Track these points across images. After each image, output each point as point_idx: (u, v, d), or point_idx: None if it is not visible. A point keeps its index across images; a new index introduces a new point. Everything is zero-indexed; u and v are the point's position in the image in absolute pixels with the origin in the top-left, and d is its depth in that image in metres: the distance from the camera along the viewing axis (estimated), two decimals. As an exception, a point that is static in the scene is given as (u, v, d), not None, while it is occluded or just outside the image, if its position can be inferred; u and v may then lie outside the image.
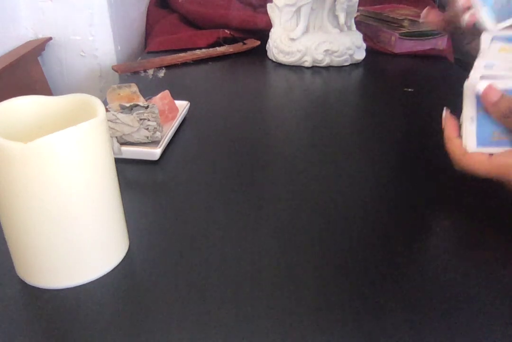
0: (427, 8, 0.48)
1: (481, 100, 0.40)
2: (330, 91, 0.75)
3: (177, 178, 0.49)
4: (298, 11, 0.81)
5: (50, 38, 0.92)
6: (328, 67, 0.84)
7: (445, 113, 0.44)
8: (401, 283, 0.34)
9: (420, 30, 0.91)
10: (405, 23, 0.91)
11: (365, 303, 0.32)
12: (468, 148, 0.40)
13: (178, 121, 0.58)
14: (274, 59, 0.87)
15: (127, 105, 0.51)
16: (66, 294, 0.33)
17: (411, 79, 0.79)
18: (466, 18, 0.41)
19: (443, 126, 0.43)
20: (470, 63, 0.42)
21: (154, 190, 0.47)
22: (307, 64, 0.83)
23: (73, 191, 0.31)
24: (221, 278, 0.35)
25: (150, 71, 0.79)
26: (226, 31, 0.94)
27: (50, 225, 0.31)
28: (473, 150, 0.40)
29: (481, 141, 0.40)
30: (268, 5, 0.85)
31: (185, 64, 0.84)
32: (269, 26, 0.88)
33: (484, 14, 0.39)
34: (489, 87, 0.39)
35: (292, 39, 0.82)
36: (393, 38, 0.91)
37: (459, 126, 0.42)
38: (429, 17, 0.47)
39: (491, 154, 0.39)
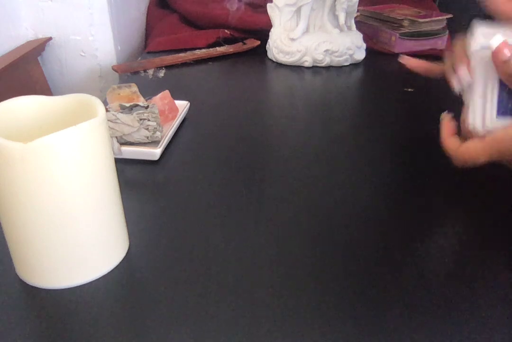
0: (403, 57, 0.50)
1: (491, 57, 0.39)
2: (330, 91, 0.75)
3: (177, 178, 0.49)
4: (298, 11, 0.81)
5: (50, 38, 0.91)
6: (328, 67, 0.84)
7: (444, 116, 0.44)
8: (401, 282, 0.34)
9: (420, 30, 0.91)
10: (405, 23, 0.91)
11: (365, 302, 0.32)
12: (487, 122, 0.40)
13: (178, 121, 0.58)
14: (274, 59, 0.87)
15: (127, 105, 0.51)
16: (66, 294, 0.33)
17: (411, 79, 0.79)
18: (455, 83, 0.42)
19: (441, 125, 0.43)
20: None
21: (154, 190, 0.47)
22: (307, 64, 0.83)
23: (73, 191, 0.31)
24: (221, 278, 0.35)
25: (150, 71, 0.79)
26: (226, 31, 0.94)
27: (50, 225, 0.31)
28: (492, 123, 0.39)
29: (501, 112, 0.39)
30: (268, 5, 0.85)
31: (185, 64, 0.84)
32: (269, 26, 0.88)
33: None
34: (503, 44, 0.38)
35: (292, 39, 0.82)
36: (393, 38, 0.91)
37: (457, 126, 0.42)
38: (409, 63, 0.50)
39: (481, 138, 0.39)
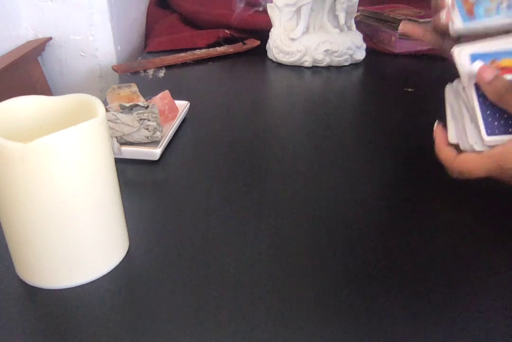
0: (402, 22, 0.51)
1: (476, 80, 0.40)
2: (330, 91, 0.75)
3: (177, 178, 0.49)
4: (298, 11, 0.81)
5: (50, 38, 0.91)
6: (328, 67, 0.84)
7: (436, 125, 0.44)
8: (401, 282, 0.34)
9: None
10: (405, 23, 0.91)
11: (364, 302, 0.32)
12: (477, 146, 0.40)
13: (178, 121, 0.58)
14: (274, 59, 0.87)
15: (127, 105, 0.51)
16: (66, 294, 0.33)
17: (411, 79, 0.79)
18: (443, 17, 0.42)
19: (434, 137, 0.44)
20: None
21: (154, 190, 0.47)
22: (307, 64, 0.83)
23: (73, 191, 0.31)
24: (220, 278, 0.35)
25: (150, 71, 0.79)
26: (226, 31, 0.94)
27: (50, 225, 0.31)
28: (484, 143, 0.40)
29: (491, 131, 0.40)
30: (268, 5, 0.85)
31: (185, 64, 0.84)
32: (269, 26, 0.88)
33: (454, 14, 0.41)
34: (484, 67, 0.39)
35: (292, 39, 0.82)
36: (393, 38, 0.91)
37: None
38: (407, 28, 0.51)
39: (480, 152, 0.39)
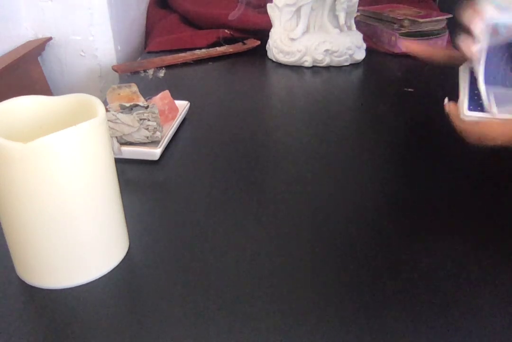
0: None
1: None
2: (330, 91, 0.75)
3: (177, 178, 0.49)
4: (298, 11, 0.81)
5: (50, 38, 0.91)
6: (328, 67, 0.84)
7: (447, 100, 0.43)
8: (400, 281, 0.34)
9: (420, 30, 0.91)
10: (405, 23, 0.91)
11: (365, 301, 0.32)
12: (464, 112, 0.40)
13: (178, 121, 0.58)
14: (274, 59, 0.87)
15: (127, 105, 0.51)
16: (66, 294, 0.33)
17: (411, 79, 0.79)
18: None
19: (447, 111, 0.42)
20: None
21: (154, 190, 0.47)
22: (307, 64, 0.83)
23: (73, 190, 0.31)
24: (220, 278, 0.35)
25: (150, 71, 0.79)
26: (226, 31, 0.94)
27: (50, 225, 0.31)
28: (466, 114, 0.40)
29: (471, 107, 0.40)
30: (268, 5, 0.85)
31: (185, 64, 0.84)
32: (269, 26, 0.88)
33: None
34: None
35: (292, 39, 0.82)
36: (393, 38, 0.91)
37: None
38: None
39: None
